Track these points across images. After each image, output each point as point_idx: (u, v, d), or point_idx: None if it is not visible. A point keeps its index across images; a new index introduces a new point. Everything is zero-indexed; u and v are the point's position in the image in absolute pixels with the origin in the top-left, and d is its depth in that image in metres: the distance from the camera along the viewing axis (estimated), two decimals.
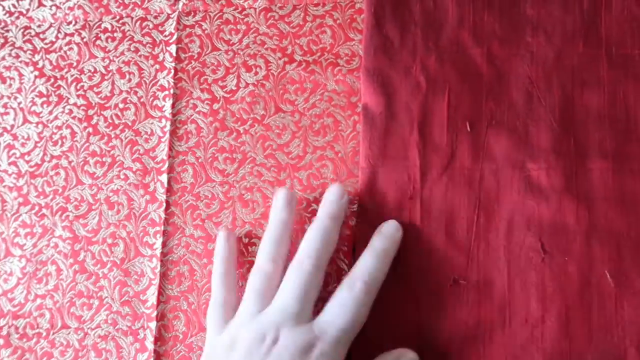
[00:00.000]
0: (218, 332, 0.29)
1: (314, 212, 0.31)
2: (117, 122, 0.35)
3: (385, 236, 0.29)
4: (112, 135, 0.35)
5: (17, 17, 0.37)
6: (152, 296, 0.32)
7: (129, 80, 0.35)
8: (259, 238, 0.31)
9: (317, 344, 0.26)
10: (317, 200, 0.32)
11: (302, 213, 0.32)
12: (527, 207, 0.29)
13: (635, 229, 0.28)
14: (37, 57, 0.37)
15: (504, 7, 0.32)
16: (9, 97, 0.36)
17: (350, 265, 0.29)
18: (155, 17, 0.36)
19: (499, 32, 0.32)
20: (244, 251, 0.32)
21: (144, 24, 0.36)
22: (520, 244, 0.29)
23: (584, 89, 0.31)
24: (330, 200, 0.30)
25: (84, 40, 0.36)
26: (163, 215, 0.33)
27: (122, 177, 0.34)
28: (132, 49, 0.36)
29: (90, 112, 0.35)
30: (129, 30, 0.36)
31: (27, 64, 0.36)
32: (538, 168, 0.30)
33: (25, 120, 0.36)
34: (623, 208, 0.29)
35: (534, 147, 0.30)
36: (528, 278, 0.28)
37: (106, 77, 0.36)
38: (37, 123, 0.36)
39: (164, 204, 0.33)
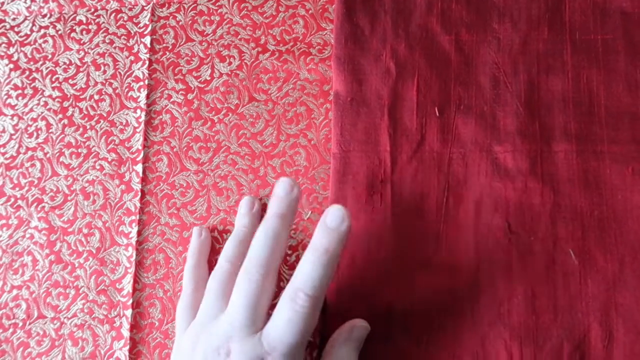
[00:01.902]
0: (184, 329, 0.29)
1: None
2: (92, 113, 0.35)
3: (330, 230, 0.25)
4: (88, 127, 0.35)
5: None
6: (127, 284, 0.32)
7: (104, 72, 0.36)
8: (233, 225, 0.32)
9: (268, 359, 0.25)
10: None
11: None
12: (494, 189, 0.30)
13: (598, 209, 0.29)
14: (11, 50, 0.37)
15: None
16: None
17: None
18: (130, 9, 0.36)
19: (466, 19, 0.32)
20: (219, 238, 0.32)
21: (119, 16, 0.36)
22: (487, 224, 0.30)
23: (548, 73, 0.31)
24: (280, 196, 0.28)
25: (59, 32, 0.36)
26: (138, 205, 0.33)
27: (97, 167, 0.34)
28: (107, 40, 0.36)
29: (66, 103, 0.35)
30: (103, 22, 0.36)
31: (1, 57, 0.37)
32: (504, 151, 0.30)
33: (1, 113, 0.36)
34: (586, 189, 0.29)
35: (500, 131, 0.31)
36: (495, 257, 0.29)
37: (81, 69, 0.36)
38: (13, 115, 0.36)
39: (140, 194, 0.33)
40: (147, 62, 0.35)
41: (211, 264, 0.32)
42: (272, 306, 0.27)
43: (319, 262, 0.25)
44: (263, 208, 0.32)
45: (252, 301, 0.26)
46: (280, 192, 0.28)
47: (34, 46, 0.37)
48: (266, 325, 0.26)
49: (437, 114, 0.32)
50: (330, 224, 0.26)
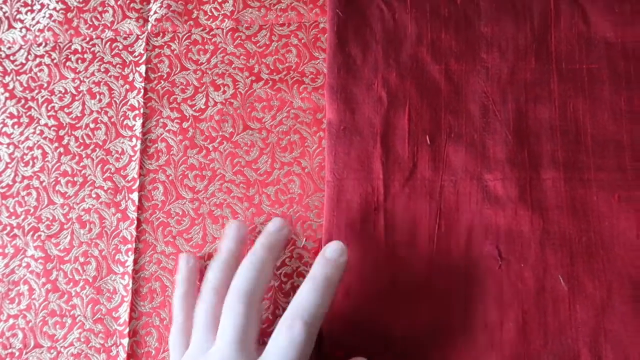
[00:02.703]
0: (177, 359, 0.29)
1: None
2: (88, 141, 0.35)
3: (328, 261, 0.27)
4: (84, 155, 0.35)
5: None
6: (124, 313, 0.33)
7: (100, 100, 0.36)
8: None
9: None
10: (285, 215, 0.33)
11: None
12: (485, 216, 0.31)
13: (586, 235, 0.30)
14: (7, 79, 0.37)
15: (459, 25, 0.34)
16: None
17: None
18: (125, 38, 0.37)
19: (455, 49, 0.33)
20: None
21: (114, 45, 0.37)
22: (478, 251, 0.30)
23: (536, 102, 0.32)
24: (270, 232, 0.30)
25: (54, 61, 0.37)
26: (134, 233, 0.34)
27: (93, 196, 0.35)
28: (102, 69, 0.36)
29: (62, 132, 0.36)
30: (99, 51, 0.37)
31: None
32: (494, 179, 0.31)
33: None
34: (574, 215, 0.30)
35: (490, 159, 0.32)
36: (486, 284, 0.30)
37: (77, 98, 0.36)
38: (8, 144, 0.36)
39: (135, 222, 0.34)
40: (142, 90, 0.36)
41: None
42: (262, 333, 0.27)
43: (318, 289, 0.26)
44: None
45: (239, 333, 0.26)
46: (270, 228, 0.30)
47: (29, 75, 0.37)
48: (261, 355, 0.26)
49: (429, 142, 0.32)
50: (329, 255, 0.28)
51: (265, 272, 0.28)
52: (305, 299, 0.26)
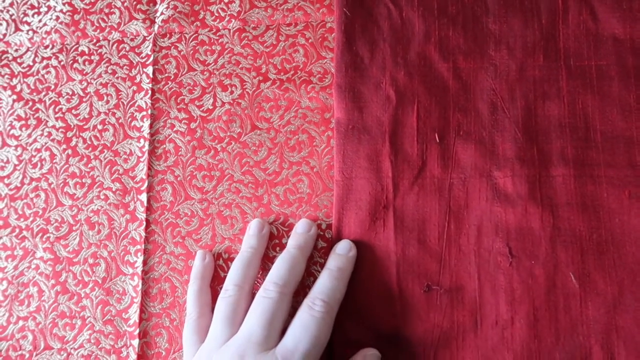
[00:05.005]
0: (193, 354, 0.29)
1: (291, 226, 0.32)
2: (96, 143, 0.35)
3: (339, 255, 0.30)
4: (92, 157, 0.35)
5: None
6: (134, 314, 0.33)
7: (107, 101, 0.36)
8: (238, 253, 0.32)
9: None
10: (294, 214, 0.33)
11: (280, 227, 0.33)
12: (494, 213, 0.31)
13: (597, 232, 0.30)
14: (15, 81, 0.37)
15: (467, 22, 0.33)
16: None
17: None
18: (132, 40, 0.37)
19: (463, 47, 0.33)
20: (224, 266, 0.33)
21: (121, 46, 0.37)
22: (489, 249, 0.30)
23: (545, 99, 0.32)
24: (299, 233, 0.31)
25: (62, 63, 0.37)
26: (143, 234, 0.34)
27: (102, 197, 0.35)
28: (110, 71, 0.36)
29: (69, 134, 0.36)
30: (106, 52, 0.37)
31: (4, 88, 0.37)
32: (504, 176, 0.31)
33: (4, 144, 0.36)
34: (584, 212, 0.30)
35: (499, 156, 0.31)
36: (497, 282, 0.30)
37: (84, 100, 0.36)
38: (16, 146, 0.36)
39: (144, 223, 0.34)
40: (149, 91, 0.36)
41: (214, 290, 0.32)
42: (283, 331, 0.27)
43: (333, 276, 0.29)
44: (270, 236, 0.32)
45: (268, 318, 0.28)
46: (299, 229, 0.32)
47: (36, 77, 0.37)
48: (282, 340, 0.27)
49: (437, 140, 0.32)
50: (340, 251, 0.30)
51: (298, 268, 0.30)
52: (323, 283, 0.29)
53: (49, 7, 0.38)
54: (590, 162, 0.31)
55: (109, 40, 0.37)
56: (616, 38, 0.32)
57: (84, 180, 0.35)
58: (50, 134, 0.36)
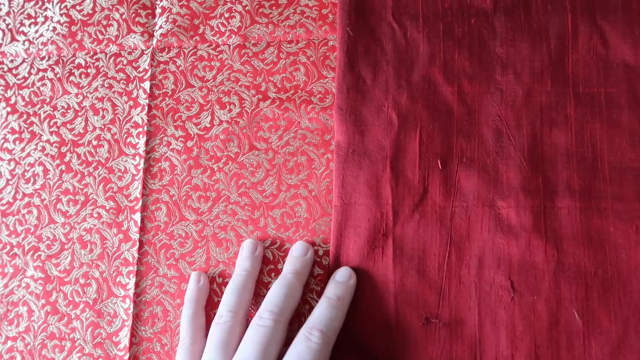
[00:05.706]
0: None
1: (287, 251, 0.32)
2: (90, 159, 0.35)
3: (339, 283, 0.29)
4: (86, 173, 0.35)
5: None
6: (124, 338, 0.32)
7: (103, 117, 0.35)
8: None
9: None
10: (291, 239, 0.32)
11: (276, 252, 0.32)
12: (497, 245, 0.30)
13: (602, 268, 0.29)
14: (9, 93, 0.36)
15: (473, 45, 0.32)
16: None
17: None
18: (130, 53, 0.36)
19: (469, 70, 0.32)
20: (218, 291, 0.32)
21: (118, 59, 0.36)
22: (490, 282, 0.29)
23: (552, 127, 0.31)
24: (295, 257, 0.31)
25: (57, 76, 0.36)
26: (136, 255, 0.33)
27: (95, 215, 0.34)
28: (106, 85, 0.36)
29: (64, 149, 0.35)
30: (102, 66, 0.36)
31: None
32: (507, 206, 0.30)
33: None
34: (590, 247, 0.29)
35: (503, 186, 0.31)
36: (498, 316, 0.29)
37: (80, 114, 0.35)
38: (9, 160, 0.35)
39: (138, 243, 0.33)
40: (146, 107, 0.35)
41: (208, 315, 0.31)
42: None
43: (332, 305, 0.28)
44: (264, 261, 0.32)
45: (263, 347, 0.27)
46: (295, 253, 0.31)
47: (32, 89, 0.36)
48: None
49: (440, 167, 0.31)
50: (339, 279, 0.29)
51: (294, 295, 0.29)
52: (321, 312, 0.28)
53: (46, 18, 0.37)
54: (597, 194, 0.30)
55: (106, 53, 0.36)
56: (627, 65, 0.31)
57: (77, 197, 0.34)
58: (44, 148, 0.35)
